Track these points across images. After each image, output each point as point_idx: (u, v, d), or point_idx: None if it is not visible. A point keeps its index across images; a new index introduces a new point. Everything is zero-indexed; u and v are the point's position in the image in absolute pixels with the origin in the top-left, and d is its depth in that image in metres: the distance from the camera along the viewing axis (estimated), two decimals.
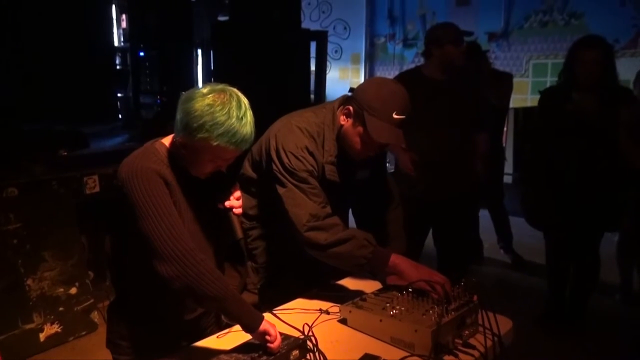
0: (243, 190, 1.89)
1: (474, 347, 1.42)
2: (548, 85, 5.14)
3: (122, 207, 1.35)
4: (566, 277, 3.07)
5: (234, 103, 1.32)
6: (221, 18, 5.74)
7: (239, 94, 1.36)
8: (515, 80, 6.20)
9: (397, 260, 1.63)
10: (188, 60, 5.49)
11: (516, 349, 1.60)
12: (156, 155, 1.42)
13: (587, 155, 2.75)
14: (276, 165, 1.70)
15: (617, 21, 5.26)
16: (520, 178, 4.17)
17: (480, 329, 1.48)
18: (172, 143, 1.44)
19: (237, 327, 1.40)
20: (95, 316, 3.18)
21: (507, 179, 5.55)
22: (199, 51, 6.22)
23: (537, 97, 3.10)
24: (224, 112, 1.30)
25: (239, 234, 1.47)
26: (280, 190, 1.69)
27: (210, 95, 1.32)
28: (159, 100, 5.18)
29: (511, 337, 1.59)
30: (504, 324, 1.54)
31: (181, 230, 1.34)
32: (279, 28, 3.81)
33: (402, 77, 2.96)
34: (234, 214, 1.47)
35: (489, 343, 1.43)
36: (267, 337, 1.33)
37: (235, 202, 1.47)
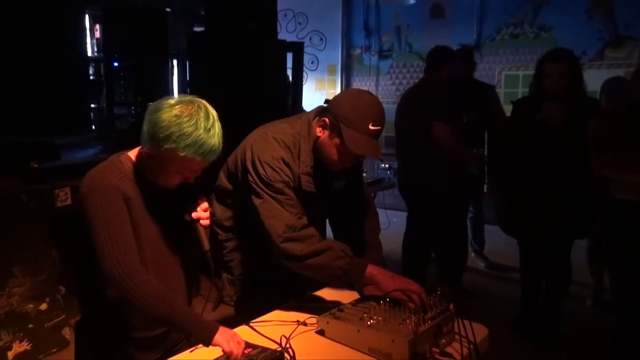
0: (219, 201, 1.88)
1: (450, 356, 1.44)
2: (520, 96, 5.26)
3: (82, 221, 1.34)
4: (540, 284, 3.13)
5: (201, 114, 1.32)
6: (197, 29, 5.73)
7: (207, 105, 1.36)
8: None
9: (373, 270, 1.64)
10: (163, 70, 5.46)
11: (492, 355, 1.62)
12: (120, 168, 1.40)
13: (556, 164, 2.82)
14: (252, 177, 1.69)
15: (585, 34, 5.44)
16: (494, 187, 4.24)
17: (457, 337, 1.49)
18: (139, 155, 1.42)
19: None
20: (66, 332, 3.09)
21: None
22: (175, 62, 6.19)
23: (510, 107, 3.18)
24: (192, 123, 1.30)
25: (206, 245, 1.46)
26: (256, 201, 1.68)
27: (177, 106, 1.32)
28: (133, 111, 5.13)
29: (487, 344, 1.60)
30: (480, 332, 1.55)
31: (127, 250, 1.34)
32: (255, 39, 3.81)
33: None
34: (202, 225, 1.46)
35: (465, 351, 1.44)
36: (223, 352, 1.33)
37: (202, 213, 1.46)
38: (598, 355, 2.87)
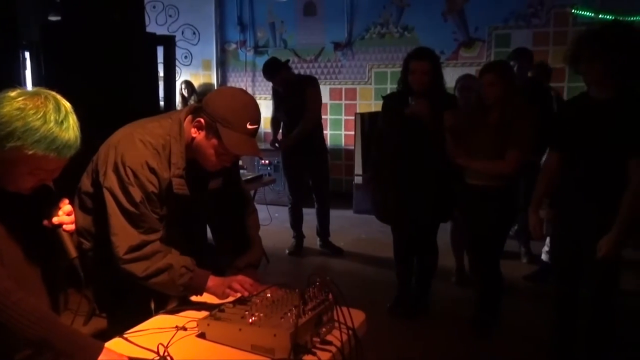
0: (81, 207, 1.73)
1: (331, 343, 1.48)
2: (389, 91, 5.59)
3: None
4: (411, 267, 3.37)
5: (50, 106, 1.20)
6: (52, 18, 5.21)
7: (58, 97, 1.24)
8: (360, 87, 6.65)
9: (210, 283, 1.67)
10: (13, 64, 4.87)
11: (370, 338, 1.71)
12: None
13: (421, 154, 3.06)
14: (110, 180, 1.60)
15: (442, 35, 5.95)
16: (369, 178, 4.47)
17: (337, 324, 1.55)
18: None
19: None
20: None
21: (358, 179, 5.93)
22: (28, 54, 5.57)
23: (381, 102, 3.38)
24: (39, 116, 1.17)
25: (72, 253, 1.34)
26: (108, 210, 1.60)
27: (20, 99, 1.18)
28: None
29: (365, 328, 1.68)
30: (358, 317, 1.62)
31: None
32: (120, 31, 3.56)
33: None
34: (65, 230, 1.34)
35: (345, 337, 1.50)
36: None
37: (65, 217, 1.34)
38: (463, 325, 3.18)
